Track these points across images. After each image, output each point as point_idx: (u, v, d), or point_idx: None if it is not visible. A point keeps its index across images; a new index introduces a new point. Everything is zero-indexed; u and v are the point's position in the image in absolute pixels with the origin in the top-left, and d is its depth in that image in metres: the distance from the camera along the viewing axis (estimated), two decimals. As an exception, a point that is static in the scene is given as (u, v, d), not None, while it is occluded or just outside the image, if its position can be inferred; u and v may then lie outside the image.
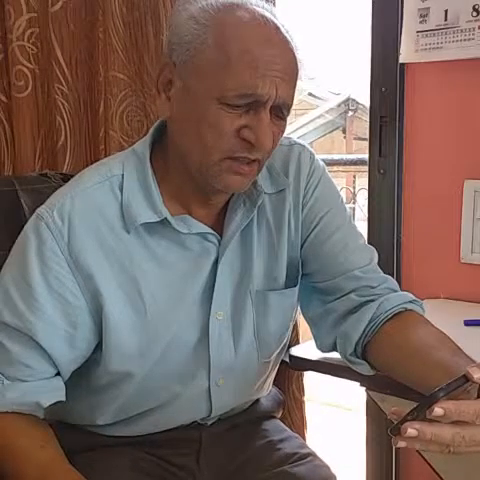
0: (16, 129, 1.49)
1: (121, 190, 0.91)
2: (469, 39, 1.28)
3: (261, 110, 0.83)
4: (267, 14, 0.85)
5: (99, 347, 0.93)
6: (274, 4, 1.23)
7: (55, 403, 0.91)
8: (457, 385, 0.69)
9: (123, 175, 0.92)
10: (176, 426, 1.02)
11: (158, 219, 0.90)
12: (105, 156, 1.41)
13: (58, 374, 0.93)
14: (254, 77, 0.81)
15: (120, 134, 1.41)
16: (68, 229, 0.89)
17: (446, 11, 1.31)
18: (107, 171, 0.93)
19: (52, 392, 0.91)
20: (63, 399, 0.92)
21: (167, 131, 0.93)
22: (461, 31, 1.29)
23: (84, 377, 0.96)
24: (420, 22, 1.34)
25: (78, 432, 1.01)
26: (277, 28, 0.85)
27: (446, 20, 1.31)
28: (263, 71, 0.82)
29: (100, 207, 0.90)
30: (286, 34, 0.86)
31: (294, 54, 0.86)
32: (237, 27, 0.83)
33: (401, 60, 1.38)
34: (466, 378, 0.69)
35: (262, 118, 0.83)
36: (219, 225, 0.96)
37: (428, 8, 1.33)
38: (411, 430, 0.66)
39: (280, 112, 0.87)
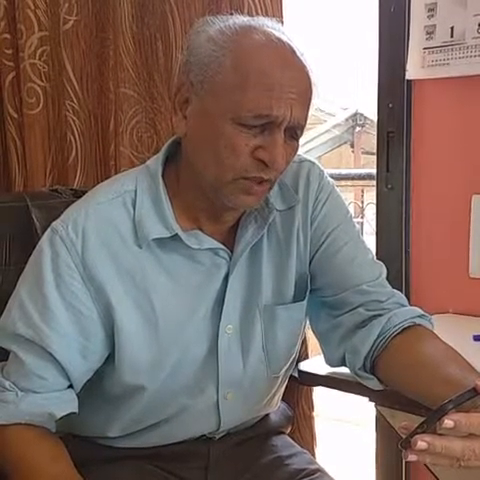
0: (27, 145, 1.51)
1: (134, 206, 0.93)
2: (475, 55, 1.29)
3: (276, 131, 0.85)
4: (283, 37, 0.87)
5: (111, 359, 0.94)
6: (282, 22, 1.25)
7: (67, 415, 0.92)
8: (466, 398, 0.69)
9: (136, 191, 0.93)
10: (184, 439, 1.02)
11: (169, 235, 0.91)
12: (115, 172, 1.43)
13: (70, 386, 0.93)
14: (270, 99, 0.83)
15: (130, 150, 1.43)
16: (82, 243, 0.90)
17: (452, 28, 1.32)
18: (120, 187, 0.94)
19: (65, 404, 0.92)
20: (76, 411, 0.93)
21: (181, 148, 0.94)
22: (467, 48, 1.30)
23: (97, 389, 0.96)
24: (426, 39, 1.35)
25: (88, 444, 1.02)
26: (293, 51, 0.86)
27: (452, 37, 1.32)
28: (279, 93, 0.83)
29: (113, 222, 0.92)
30: (301, 57, 0.87)
31: (309, 77, 0.88)
32: (254, 50, 0.84)
33: (408, 76, 1.38)
34: (475, 391, 0.69)
35: (276, 139, 0.85)
36: (230, 240, 0.97)
37: (434, 25, 1.34)
38: (421, 443, 0.66)
39: (294, 133, 0.88)
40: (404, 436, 0.69)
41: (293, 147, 0.90)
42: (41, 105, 1.49)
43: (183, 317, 0.94)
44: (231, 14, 0.91)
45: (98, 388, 0.96)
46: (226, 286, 0.96)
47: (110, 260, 0.91)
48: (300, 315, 1.03)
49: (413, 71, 1.38)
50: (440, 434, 0.67)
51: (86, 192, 1.00)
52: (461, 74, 1.32)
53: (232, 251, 0.96)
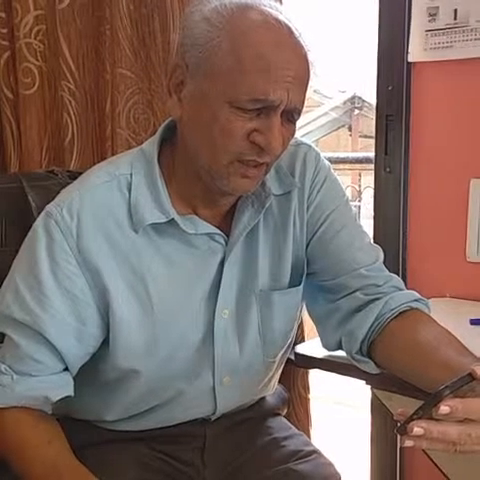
0: (23, 126, 1.49)
1: (129, 190, 0.91)
2: (479, 38, 1.28)
3: (272, 114, 0.83)
4: (280, 17, 0.84)
5: (107, 344, 0.94)
6: (281, 2, 1.23)
7: (63, 398, 0.92)
8: (462, 383, 0.69)
9: (131, 174, 0.92)
10: (181, 422, 1.02)
11: (165, 220, 0.90)
12: (112, 153, 1.42)
13: (66, 369, 0.93)
14: (267, 82, 0.81)
15: (127, 131, 1.42)
16: (77, 226, 0.89)
17: (456, 10, 1.31)
18: (115, 170, 0.93)
19: (61, 387, 0.92)
20: (72, 394, 0.93)
21: (177, 131, 0.93)
22: (471, 30, 1.29)
23: (92, 374, 0.96)
24: (429, 21, 1.34)
25: (85, 427, 1.02)
26: (290, 32, 0.84)
27: (456, 19, 1.31)
28: (275, 77, 0.81)
29: (108, 205, 0.91)
30: (299, 38, 0.85)
31: (306, 59, 0.86)
32: (250, 31, 0.82)
33: (410, 59, 1.37)
34: (471, 376, 0.69)
35: (273, 122, 0.83)
36: (226, 225, 0.96)
37: (437, 7, 1.32)
38: (417, 428, 0.67)
39: (291, 116, 0.87)
40: (401, 422, 0.69)
41: (290, 130, 0.88)
42: (37, 85, 1.48)
43: (178, 302, 0.93)
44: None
45: (94, 372, 0.96)
46: (222, 271, 0.95)
47: (106, 244, 0.90)
48: (296, 300, 1.03)
49: (415, 53, 1.37)
50: (436, 419, 0.67)
51: (82, 173, 0.98)
52: (465, 57, 1.31)
53: (228, 236, 0.95)
